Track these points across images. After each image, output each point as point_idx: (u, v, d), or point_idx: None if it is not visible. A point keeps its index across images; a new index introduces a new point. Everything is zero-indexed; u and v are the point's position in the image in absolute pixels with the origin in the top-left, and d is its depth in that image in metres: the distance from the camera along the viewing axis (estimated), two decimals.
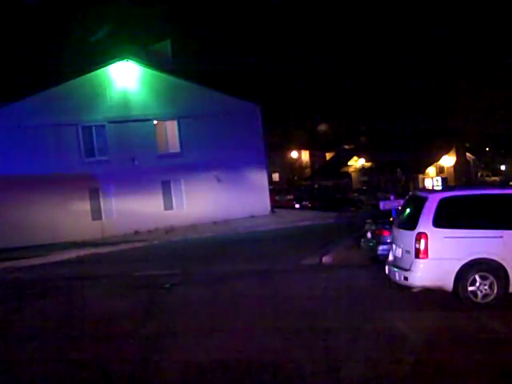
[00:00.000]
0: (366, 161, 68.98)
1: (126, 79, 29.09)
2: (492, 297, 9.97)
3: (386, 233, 14.11)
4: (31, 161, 26.84)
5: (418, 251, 10.12)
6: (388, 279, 11.35)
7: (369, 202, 42.17)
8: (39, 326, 10.71)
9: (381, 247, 14.21)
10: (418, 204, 10.62)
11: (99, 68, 28.75)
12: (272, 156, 51.71)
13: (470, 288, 9.98)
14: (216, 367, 7.69)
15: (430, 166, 65.95)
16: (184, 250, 21.91)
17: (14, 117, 26.67)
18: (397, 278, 10.78)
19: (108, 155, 28.87)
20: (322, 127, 76.69)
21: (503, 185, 36.30)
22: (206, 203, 30.22)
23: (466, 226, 10.13)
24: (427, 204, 10.25)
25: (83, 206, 28.04)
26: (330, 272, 14.64)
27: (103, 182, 28.35)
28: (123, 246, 24.16)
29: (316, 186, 56.89)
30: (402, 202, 14.01)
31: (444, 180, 62.92)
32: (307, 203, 44.40)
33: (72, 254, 22.38)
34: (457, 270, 9.97)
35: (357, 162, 71.42)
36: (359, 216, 27.25)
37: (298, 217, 32.33)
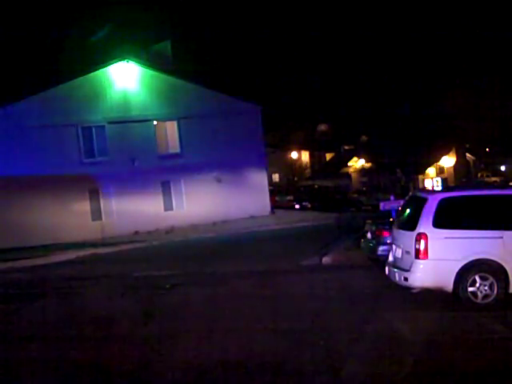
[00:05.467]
0: (366, 161, 68.99)
1: (126, 80, 29.11)
2: (492, 297, 9.97)
3: (386, 233, 14.10)
4: (31, 161, 26.86)
5: (417, 252, 10.12)
6: (388, 280, 11.35)
7: (369, 203, 42.13)
8: (39, 327, 10.71)
9: (381, 248, 14.19)
10: (417, 205, 10.62)
11: (99, 68, 28.77)
12: (272, 156, 51.70)
13: (470, 289, 9.98)
14: (216, 367, 7.69)
15: (429, 166, 65.97)
16: (184, 251, 21.92)
17: (14, 117, 26.69)
18: (397, 278, 10.77)
19: (108, 156, 28.89)
20: (322, 127, 76.65)
21: (503, 185, 36.28)
22: (205, 204, 30.23)
23: (466, 227, 10.13)
24: (427, 204, 10.25)
25: (83, 207, 28.06)
26: (329, 272, 14.64)
27: (103, 183, 28.37)
28: (123, 247, 24.16)
29: (316, 186, 56.80)
30: (401, 202, 14.00)
31: (444, 181, 62.91)
32: (307, 204, 44.35)
33: (72, 255, 22.39)
34: (457, 270, 9.97)
35: (357, 163, 71.42)
36: (359, 216, 27.23)
37: (298, 217, 32.34)
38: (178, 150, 30.60)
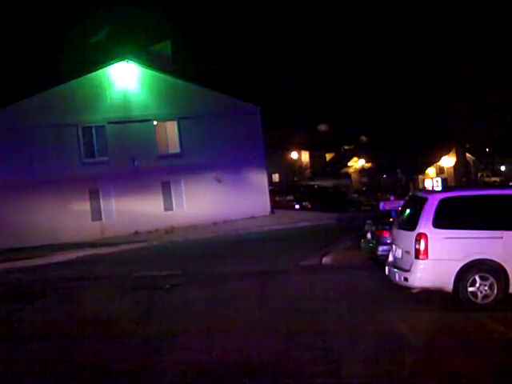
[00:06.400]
0: (366, 161, 69.03)
1: (126, 80, 29.10)
2: (492, 297, 9.97)
3: (386, 233, 14.09)
4: (31, 161, 26.86)
5: (417, 252, 10.12)
6: (388, 280, 11.35)
7: (369, 203, 42.15)
8: (39, 327, 10.71)
9: (381, 248, 14.19)
10: (417, 205, 10.62)
11: (99, 69, 28.76)
12: (272, 156, 51.66)
13: (470, 289, 9.98)
14: (216, 367, 7.70)
15: (429, 166, 66.04)
16: (184, 251, 21.92)
17: (14, 117, 26.69)
18: (397, 278, 10.77)
19: (108, 156, 28.88)
20: (322, 127, 76.69)
21: (503, 185, 36.28)
22: (205, 204, 30.21)
23: (466, 227, 10.13)
24: (427, 205, 10.24)
25: (83, 207, 28.04)
26: (329, 273, 14.65)
27: (103, 183, 28.35)
28: (123, 247, 24.16)
29: (316, 186, 56.83)
30: (402, 202, 14.00)
31: (444, 181, 62.95)
32: (307, 204, 44.34)
33: (72, 255, 22.38)
34: (457, 270, 9.97)
35: (357, 163, 71.48)
36: (359, 217, 27.25)
37: (298, 217, 32.32)
38: (178, 150, 30.58)
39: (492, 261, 9.99)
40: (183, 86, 30.55)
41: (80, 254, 22.64)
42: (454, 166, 66.00)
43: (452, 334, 8.67)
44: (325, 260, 16.48)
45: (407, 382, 7.00)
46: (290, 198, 46.85)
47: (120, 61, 29.03)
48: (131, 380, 7.60)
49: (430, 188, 42.97)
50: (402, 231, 11.00)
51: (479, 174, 72.01)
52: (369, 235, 15.44)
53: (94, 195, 28.45)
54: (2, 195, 26.24)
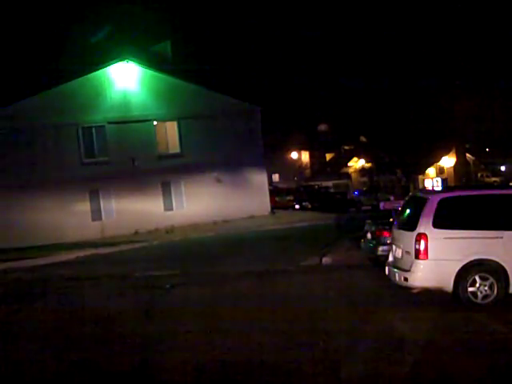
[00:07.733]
0: (366, 161, 69.05)
1: (126, 80, 29.13)
2: (492, 297, 9.97)
3: (386, 233, 14.08)
4: (31, 161, 26.88)
5: (417, 252, 10.12)
6: (388, 280, 11.35)
7: (369, 203, 42.17)
8: (39, 327, 10.71)
9: (381, 248, 14.18)
10: (417, 205, 10.62)
11: (99, 69, 28.79)
12: (272, 157, 51.73)
13: (470, 289, 9.98)
14: (216, 367, 7.70)
15: (430, 166, 66.13)
16: (184, 251, 21.92)
17: (15, 117, 26.70)
18: (397, 278, 10.77)
19: (108, 156, 28.91)
20: (322, 127, 76.72)
21: (503, 185, 36.28)
22: (206, 204, 30.25)
23: (466, 227, 10.13)
24: (427, 205, 10.24)
25: (83, 207, 28.07)
26: (329, 273, 14.65)
27: (103, 183, 28.37)
28: (123, 247, 24.16)
29: (316, 186, 56.85)
30: (402, 202, 14.00)
31: (444, 181, 62.99)
32: (307, 204, 44.38)
33: (72, 255, 22.38)
34: (457, 270, 9.97)
35: (357, 163, 71.51)
36: (359, 217, 27.24)
37: (298, 217, 32.34)
38: (177, 150, 30.62)
39: (492, 261, 9.99)
40: (183, 86, 30.58)
41: (80, 253, 22.64)
42: (454, 166, 65.91)
43: (452, 334, 8.66)
44: (325, 260, 16.48)
45: (407, 382, 7.00)
46: (290, 197, 46.91)
47: (120, 61, 29.06)
48: (131, 380, 7.60)
49: (430, 188, 42.98)
50: (401, 231, 11.00)
51: (479, 174, 72.05)
52: (369, 235, 15.42)
53: (94, 195, 28.48)
54: (2, 195, 26.26)
